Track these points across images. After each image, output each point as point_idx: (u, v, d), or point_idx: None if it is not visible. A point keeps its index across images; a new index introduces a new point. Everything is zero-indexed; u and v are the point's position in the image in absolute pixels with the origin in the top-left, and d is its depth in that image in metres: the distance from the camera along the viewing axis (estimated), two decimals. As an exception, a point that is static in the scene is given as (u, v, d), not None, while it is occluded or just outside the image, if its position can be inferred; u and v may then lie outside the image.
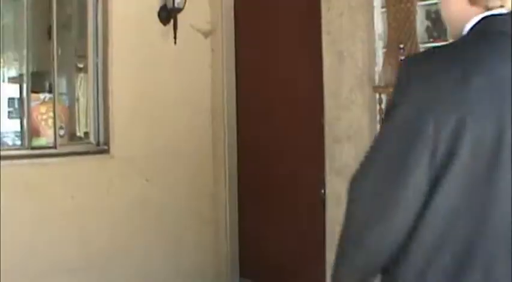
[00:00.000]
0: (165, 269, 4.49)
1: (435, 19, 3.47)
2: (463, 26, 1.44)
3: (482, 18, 1.42)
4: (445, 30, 3.36)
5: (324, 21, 3.92)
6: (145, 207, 4.41)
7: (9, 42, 4.28)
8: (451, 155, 1.27)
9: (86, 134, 4.43)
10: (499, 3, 1.41)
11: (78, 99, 4.55)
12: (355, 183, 1.40)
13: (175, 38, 4.50)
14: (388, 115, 1.38)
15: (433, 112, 1.28)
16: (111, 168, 4.29)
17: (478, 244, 1.31)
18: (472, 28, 1.42)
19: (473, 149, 1.27)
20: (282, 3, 4.36)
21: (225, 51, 4.64)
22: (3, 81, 4.41)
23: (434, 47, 1.51)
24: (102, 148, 4.34)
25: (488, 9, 1.42)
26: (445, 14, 1.55)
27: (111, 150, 4.31)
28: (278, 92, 4.29)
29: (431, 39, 3.47)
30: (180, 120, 4.60)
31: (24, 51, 4.11)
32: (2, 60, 4.31)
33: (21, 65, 4.25)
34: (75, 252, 4.08)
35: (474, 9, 1.43)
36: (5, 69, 4.43)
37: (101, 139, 4.36)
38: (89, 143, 4.35)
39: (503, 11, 1.41)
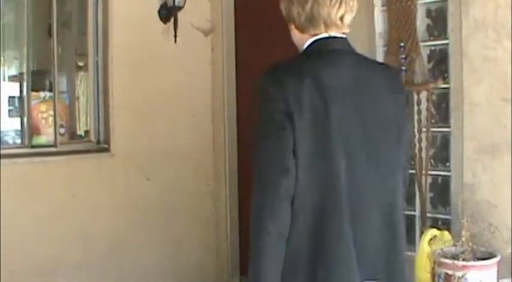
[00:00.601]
0: (165, 267, 4.49)
1: (436, 17, 3.47)
2: (302, 47, 2.02)
3: (313, 42, 1.99)
4: (446, 28, 3.37)
5: (324, 19, 3.92)
6: (145, 206, 4.41)
7: (10, 41, 4.28)
8: (297, 124, 1.85)
9: (86, 132, 4.42)
10: (318, 31, 1.97)
11: (78, 98, 4.54)
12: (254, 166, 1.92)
13: (175, 36, 4.51)
14: (260, 110, 1.93)
15: (285, 103, 1.86)
16: (111, 166, 4.30)
17: (328, 191, 1.87)
18: (306, 49, 2.00)
19: (311, 120, 1.86)
20: (282, 1, 4.36)
21: (225, 50, 4.64)
22: (4, 79, 4.40)
23: (281, 62, 2.02)
24: (102, 146, 4.34)
25: (314, 35, 1.98)
26: (293, 39, 2.09)
27: (112, 148, 4.31)
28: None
29: (431, 38, 3.47)
30: (181, 118, 4.60)
31: (25, 50, 4.10)
32: (2, 58, 4.31)
33: (21, 64, 4.24)
34: (75, 251, 4.08)
35: (306, 35, 2.00)
36: (5, 67, 4.42)
37: (101, 138, 4.36)
38: (89, 141, 4.35)
39: (326, 35, 1.97)
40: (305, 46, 2.00)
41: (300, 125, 1.84)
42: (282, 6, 2.05)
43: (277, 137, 1.86)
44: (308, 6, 1.94)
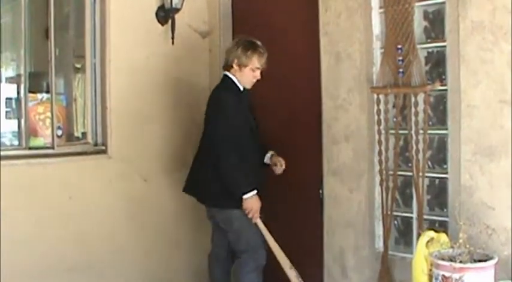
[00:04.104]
0: (163, 269, 4.49)
1: (433, 20, 3.47)
2: None
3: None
4: (443, 31, 3.38)
5: (321, 22, 3.93)
6: (143, 207, 4.41)
7: (7, 42, 4.26)
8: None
9: (84, 134, 4.41)
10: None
11: (75, 100, 4.53)
12: None
13: (173, 38, 4.51)
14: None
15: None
16: (108, 168, 4.29)
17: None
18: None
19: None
20: (279, 3, 4.36)
21: (223, 52, 4.62)
22: (1, 81, 4.39)
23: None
24: (99, 148, 4.33)
25: None
26: None
27: (109, 150, 4.31)
28: (276, 93, 4.30)
29: (429, 40, 3.48)
30: (178, 120, 4.60)
31: (22, 51, 4.09)
32: (-1, 60, 4.31)
33: (18, 65, 4.23)
34: (73, 252, 4.07)
35: None
36: (3, 69, 4.41)
37: (99, 139, 4.35)
38: (87, 143, 4.34)
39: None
40: None
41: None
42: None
43: None
44: None
